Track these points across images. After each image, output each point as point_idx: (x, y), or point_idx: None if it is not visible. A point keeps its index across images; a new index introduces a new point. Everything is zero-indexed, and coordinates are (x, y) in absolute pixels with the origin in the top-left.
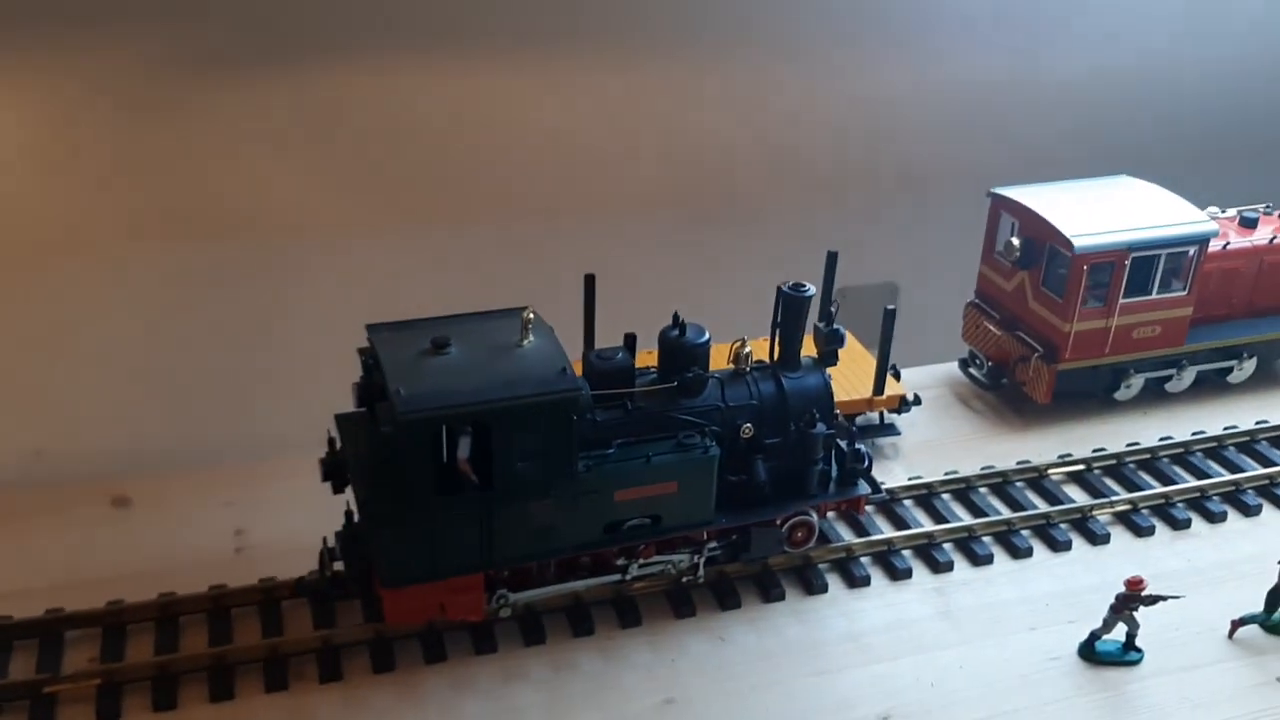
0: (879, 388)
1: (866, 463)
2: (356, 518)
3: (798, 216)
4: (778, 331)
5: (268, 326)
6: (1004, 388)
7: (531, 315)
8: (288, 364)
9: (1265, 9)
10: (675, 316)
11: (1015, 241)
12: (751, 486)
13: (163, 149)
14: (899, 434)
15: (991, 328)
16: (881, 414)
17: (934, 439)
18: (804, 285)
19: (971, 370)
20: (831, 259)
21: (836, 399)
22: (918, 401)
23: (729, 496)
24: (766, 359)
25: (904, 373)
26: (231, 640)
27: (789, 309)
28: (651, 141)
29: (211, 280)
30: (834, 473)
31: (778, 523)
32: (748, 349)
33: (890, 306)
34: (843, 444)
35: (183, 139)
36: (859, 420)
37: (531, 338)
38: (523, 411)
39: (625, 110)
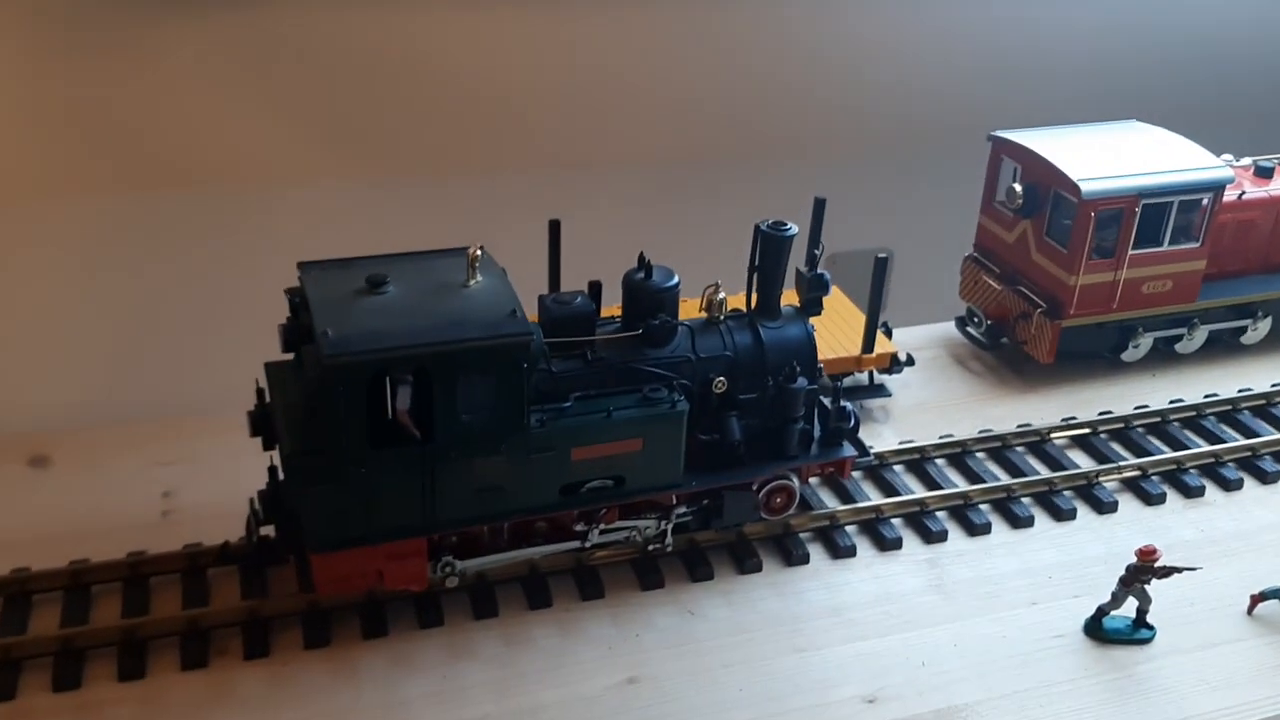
0: (868, 345)
1: (853, 422)
2: (281, 474)
3: (785, 174)
4: (755, 276)
5: (205, 274)
6: (1004, 347)
7: (479, 253)
8: (226, 313)
9: None
10: (641, 258)
11: (1017, 188)
12: (725, 446)
13: (90, 93)
14: (890, 395)
15: (991, 283)
16: (871, 374)
17: (928, 401)
18: (785, 224)
19: (969, 329)
20: (819, 205)
21: (822, 357)
22: (910, 362)
23: (700, 457)
24: (743, 309)
25: (898, 333)
26: (149, 612)
27: (768, 250)
28: (628, 89)
29: (145, 228)
30: (816, 433)
31: (754, 486)
32: (721, 295)
33: (882, 254)
34: (826, 401)
35: (111, 82)
36: (847, 381)
37: (479, 278)
38: (466, 357)
39: (599, 53)
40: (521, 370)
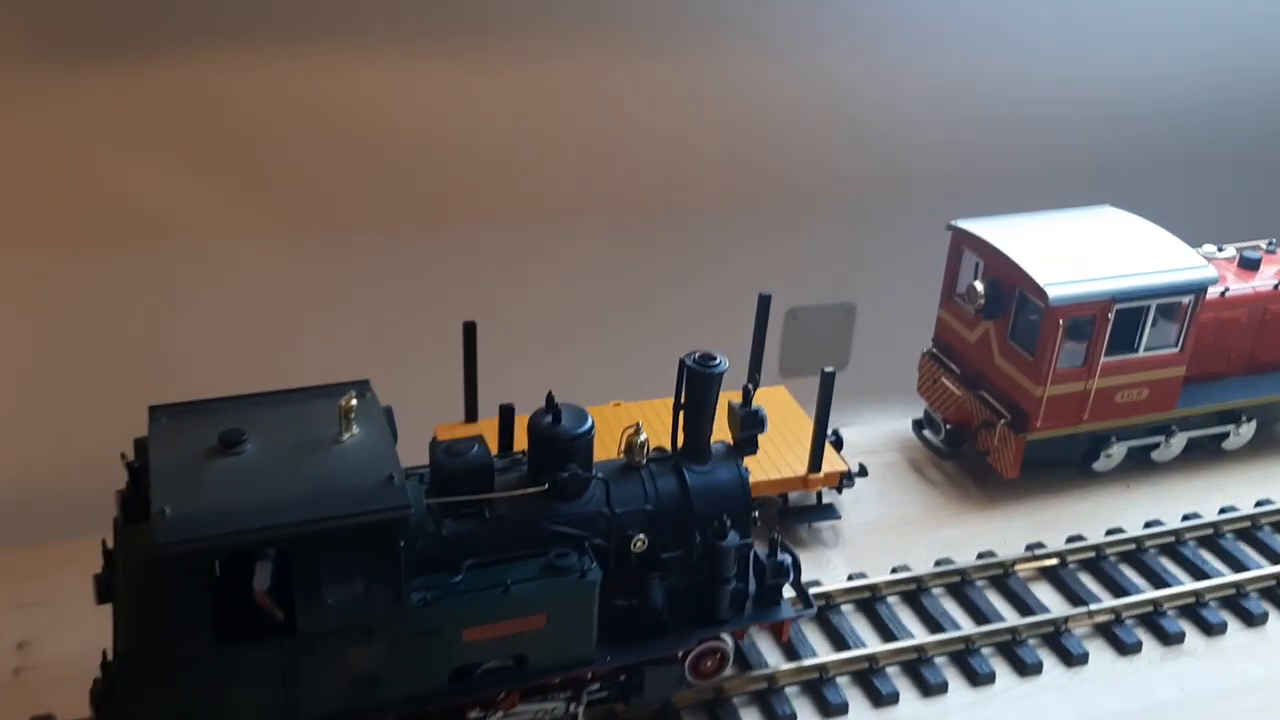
0: (815, 464)
1: (792, 576)
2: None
3: (746, 228)
4: (681, 414)
5: (91, 352)
6: (964, 454)
7: (354, 402)
8: (114, 401)
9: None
10: (549, 399)
11: (979, 287)
12: (645, 613)
13: None
14: (839, 517)
15: (950, 385)
16: (819, 493)
17: (881, 519)
18: (714, 358)
19: (926, 433)
20: (763, 304)
21: (765, 476)
22: (863, 473)
23: (617, 625)
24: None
25: (851, 431)
26: None
27: (695, 387)
28: (574, 142)
29: (20, 294)
30: (751, 587)
31: (679, 656)
32: (642, 437)
33: (829, 369)
34: (761, 553)
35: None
36: (793, 499)
37: (354, 430)
38: (329, 536)
39: (543, 105)
40: (398, 548)
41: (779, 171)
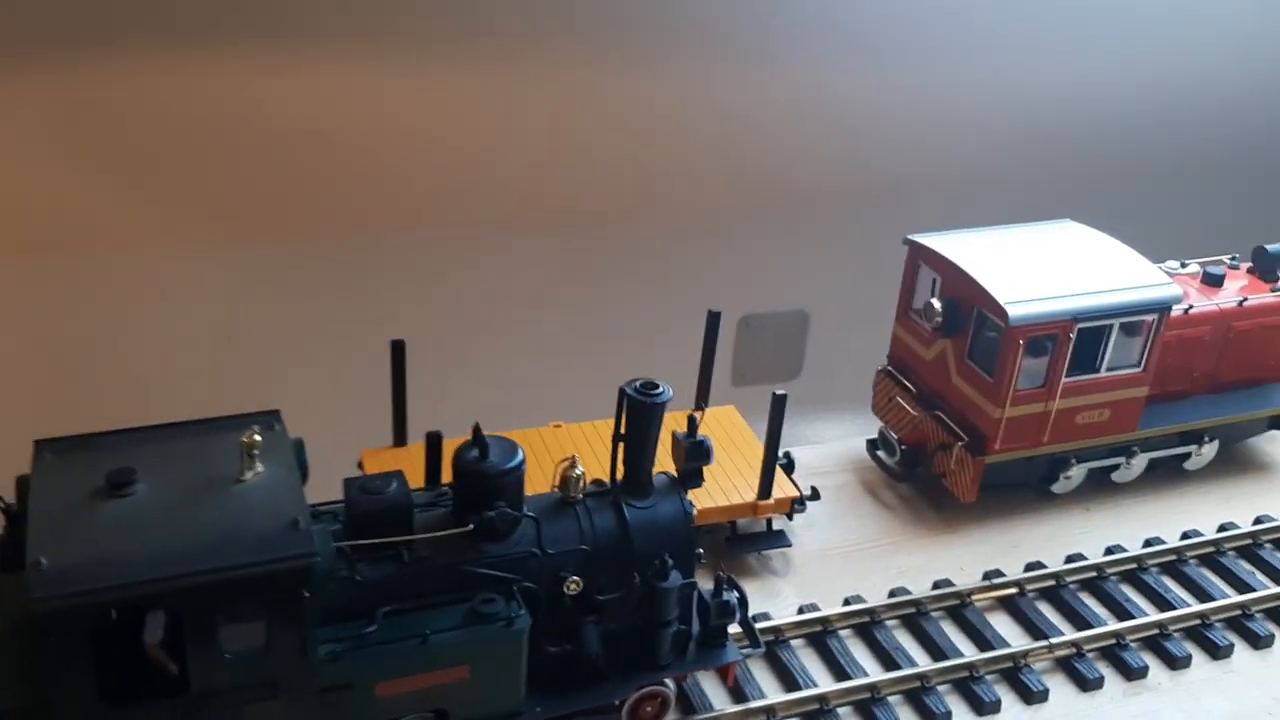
0: (765, 490)
1: (738, 614)
2: None
3: (696, 235)
4: (621, 445)
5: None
6: (920, 476)
7: (258, 438)
8: (28, 424)
9: (1239, 17)
10: (476, 431)
11: (936, 304)
12: (579, 659)
13: None
14: (789, 545)
15: (905, 405)
16: (769, 520)
17: (834, 545)
18: (656, 386)
19: (880, 454)
20: (713, 321)
21: (713, 503)
22: (815, 496)
23: (549, 672)
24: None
25: (804, 451)
26: None
27: (636, 417)
28: (511, 150)
29: None
30: (695, 628)
31: (617, 704)
32: (578, 470)
33: (780, 392)
34: (705, 591)
35: None
36: (741, 525)
37: (258, 468)
38: (224, 589)
39: (477, 112)
40: (302, 599)
41: (730, 179)
